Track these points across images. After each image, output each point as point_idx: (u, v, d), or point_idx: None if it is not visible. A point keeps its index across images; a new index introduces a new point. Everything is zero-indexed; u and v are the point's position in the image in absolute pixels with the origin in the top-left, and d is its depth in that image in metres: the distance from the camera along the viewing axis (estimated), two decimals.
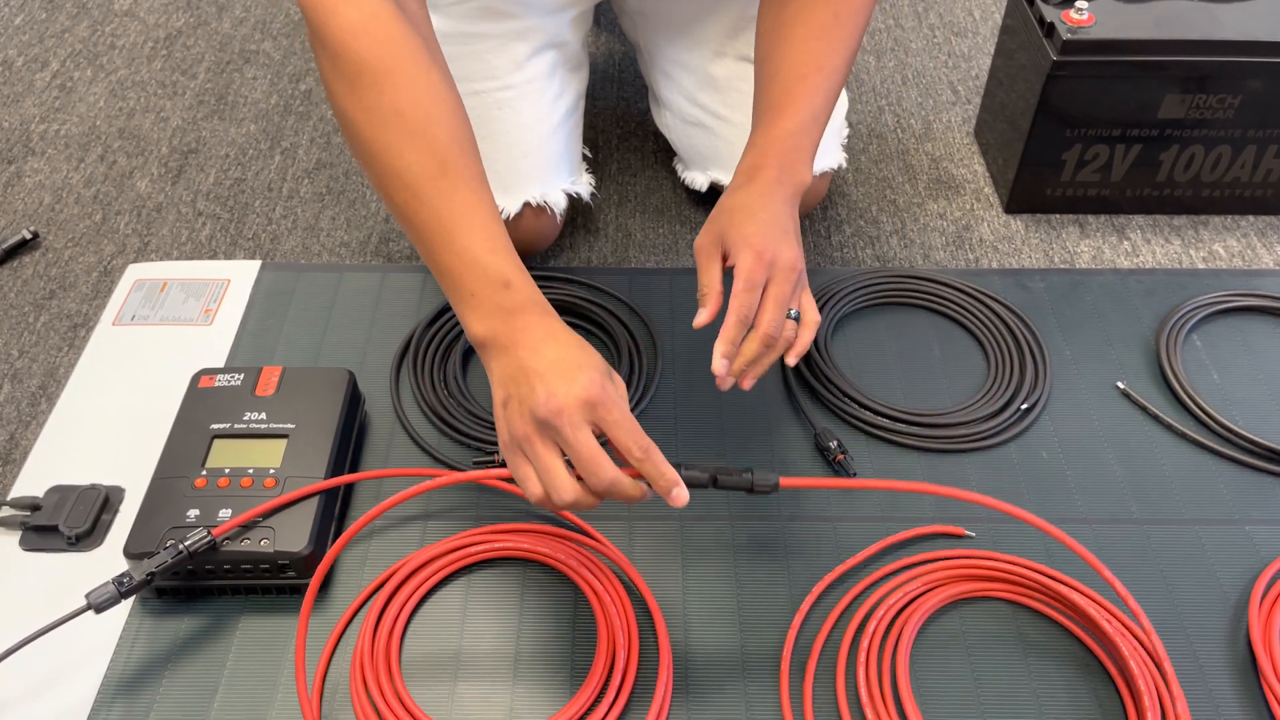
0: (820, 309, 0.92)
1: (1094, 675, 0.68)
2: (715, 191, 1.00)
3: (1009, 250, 1.01)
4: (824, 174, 0.98)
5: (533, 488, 0.59)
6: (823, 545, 0.75)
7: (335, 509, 0.75)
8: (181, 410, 0.78)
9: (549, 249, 1.00)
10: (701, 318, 0.69)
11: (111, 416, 0.83)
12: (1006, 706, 0.66)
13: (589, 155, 1.02)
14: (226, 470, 0.73)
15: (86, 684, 0.67)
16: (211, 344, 0.89)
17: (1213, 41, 0.95)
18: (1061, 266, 0.99)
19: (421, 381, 0.86)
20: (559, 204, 0.93)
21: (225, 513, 0.70)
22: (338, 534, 0.74)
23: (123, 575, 0.65)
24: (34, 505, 0.76)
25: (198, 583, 0.70)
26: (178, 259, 0.98)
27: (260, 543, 0.69)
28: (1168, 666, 0.66)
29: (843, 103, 1.00)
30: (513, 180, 0.90)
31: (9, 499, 0.76)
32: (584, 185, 0.97)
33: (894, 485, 0.63)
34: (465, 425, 0.82)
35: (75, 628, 0.67)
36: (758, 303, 0.68)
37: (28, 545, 0.74)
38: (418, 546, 0.74)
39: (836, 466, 0.80)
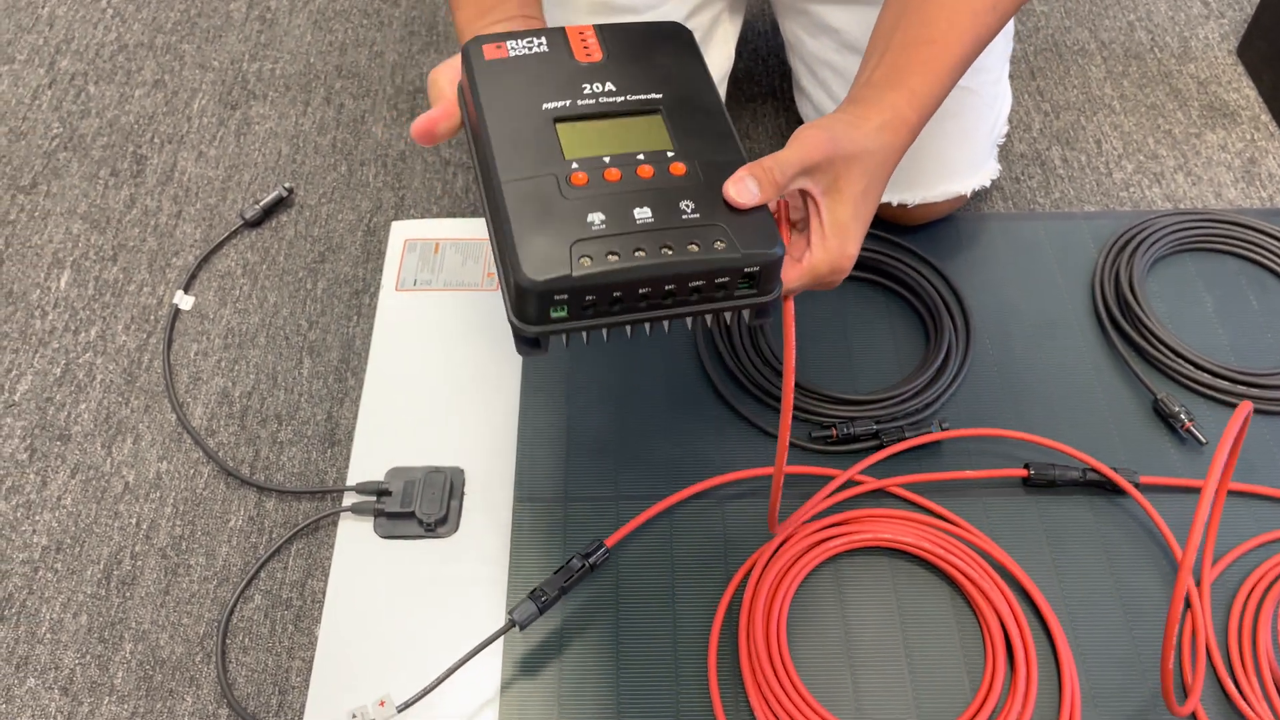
0: (1123, 253, 0.88)
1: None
2: None
3: None
4: (960, 196, 0.88)
5: None
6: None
7: None
8: (481, 90, 0.54)
9: None
10: None
11: (425, 391, 0.81)
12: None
13: None
14: (606, 159, 0.52)
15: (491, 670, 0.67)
16: (501, 307, 0.86)
17: None
18: None
19: None
20: None
21: (643, 212, 0.50)
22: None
23: (539, 590, 0.65)
24: (382, 491, 0.75)
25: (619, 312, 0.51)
26: (438, 215, 0.94)
27: (715, 245, 0.49)
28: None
29: (1005, 99, 0.88)
30: None
31: (356, 485, 0.75)
32: None
33: None
34: None
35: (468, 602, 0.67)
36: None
37: (383, 532, 0.74)
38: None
39: (1184, 434, 0.78)
